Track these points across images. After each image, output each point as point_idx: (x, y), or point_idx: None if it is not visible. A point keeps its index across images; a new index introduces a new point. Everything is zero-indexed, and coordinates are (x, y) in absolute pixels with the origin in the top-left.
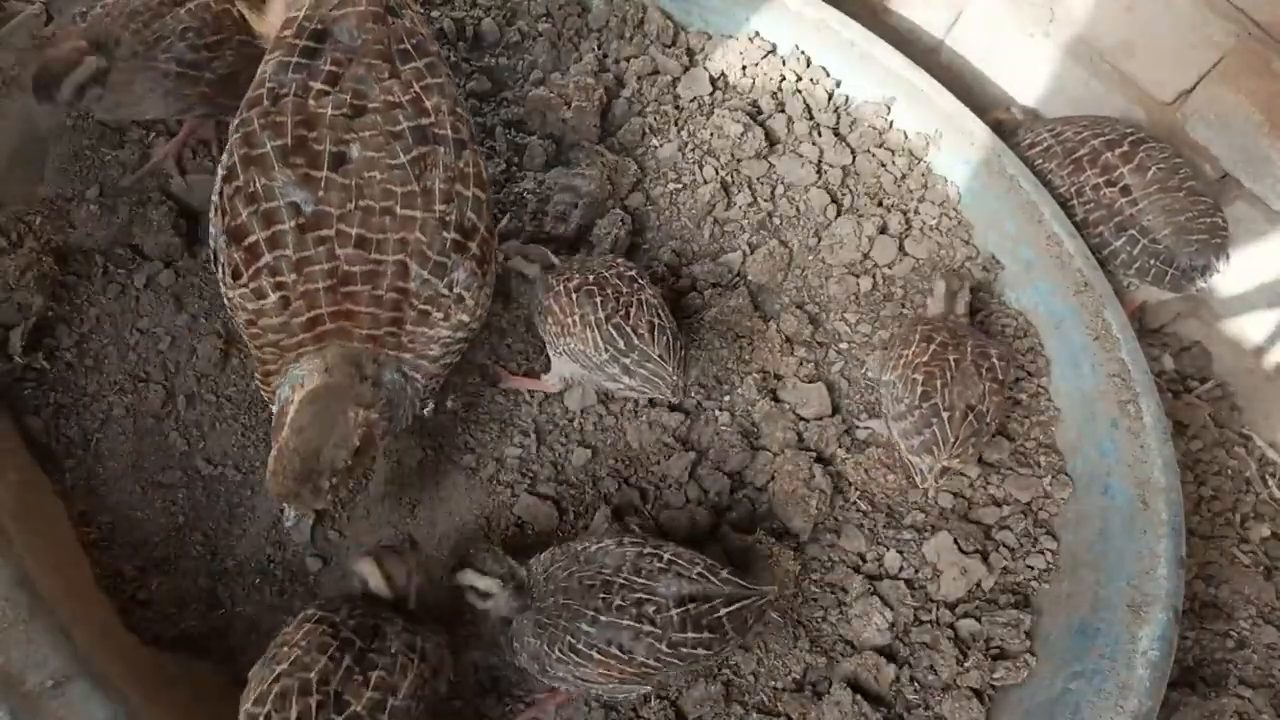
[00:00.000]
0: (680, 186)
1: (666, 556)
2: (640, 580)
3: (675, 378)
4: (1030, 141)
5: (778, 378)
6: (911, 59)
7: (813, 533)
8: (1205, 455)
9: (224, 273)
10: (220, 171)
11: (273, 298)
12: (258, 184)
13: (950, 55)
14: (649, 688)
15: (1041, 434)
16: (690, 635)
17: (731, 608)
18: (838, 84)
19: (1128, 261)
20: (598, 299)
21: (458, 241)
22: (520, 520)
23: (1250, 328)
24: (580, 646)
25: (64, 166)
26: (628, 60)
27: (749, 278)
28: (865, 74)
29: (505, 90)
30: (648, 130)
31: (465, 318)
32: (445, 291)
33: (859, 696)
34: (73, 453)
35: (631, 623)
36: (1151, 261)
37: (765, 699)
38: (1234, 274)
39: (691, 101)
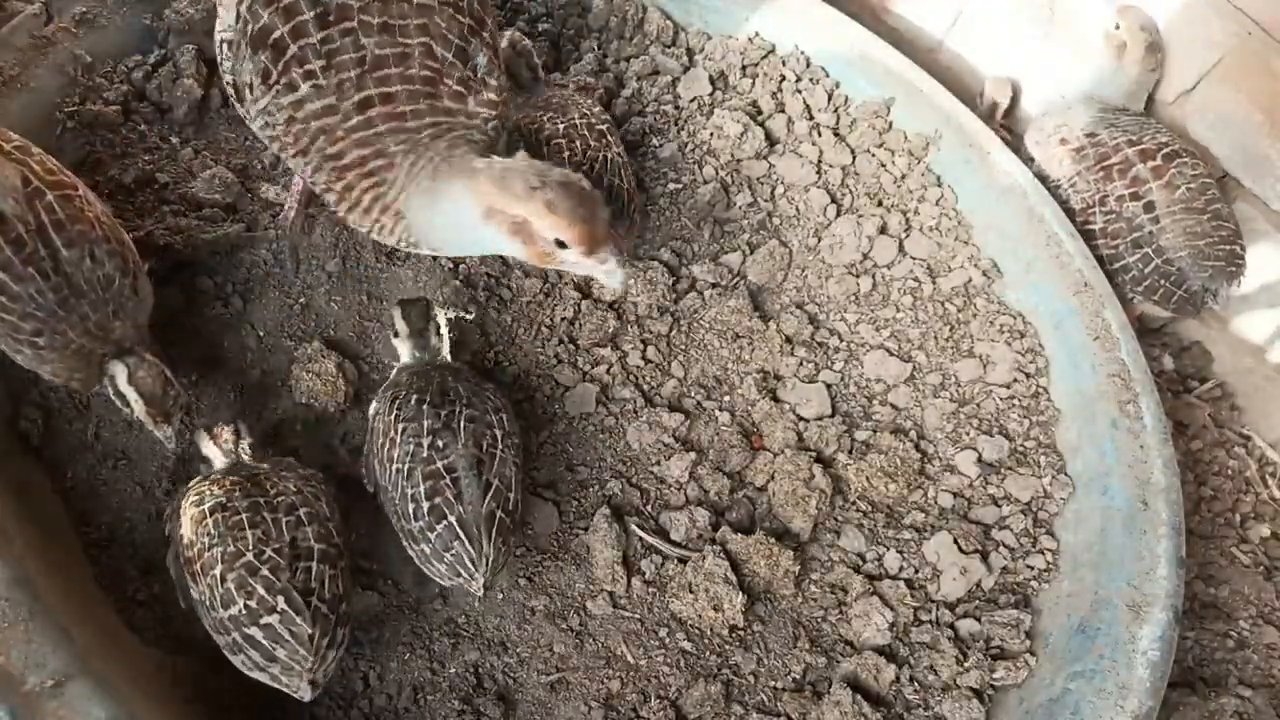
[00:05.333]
0: (680, 186)
1: None
2: None
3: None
4: (1062, 137)
5: (778, 378)
6: (911, 59)
7: (813, 533)
8: (1205, 455)
9: (252, 88)
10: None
11: (304, 87)
12: None
13: (950, 55)
14: None
15: (1041, 434)
16: None
17: None
18: (838, 84)
19: (1138, 278)
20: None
21: (472, 27)
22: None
23: (1250, 328)
24: None
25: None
26: (628, 60)
27: (749, 278)
28: (865, 74)
29: None
30: (648, 130)
31: (493, 96)
32: (470, 74)
33: (859, 696)
34: (73, 452)
35: None
36: (1161, 281)
37: (765, 699)
38: None
39: (691, 101)
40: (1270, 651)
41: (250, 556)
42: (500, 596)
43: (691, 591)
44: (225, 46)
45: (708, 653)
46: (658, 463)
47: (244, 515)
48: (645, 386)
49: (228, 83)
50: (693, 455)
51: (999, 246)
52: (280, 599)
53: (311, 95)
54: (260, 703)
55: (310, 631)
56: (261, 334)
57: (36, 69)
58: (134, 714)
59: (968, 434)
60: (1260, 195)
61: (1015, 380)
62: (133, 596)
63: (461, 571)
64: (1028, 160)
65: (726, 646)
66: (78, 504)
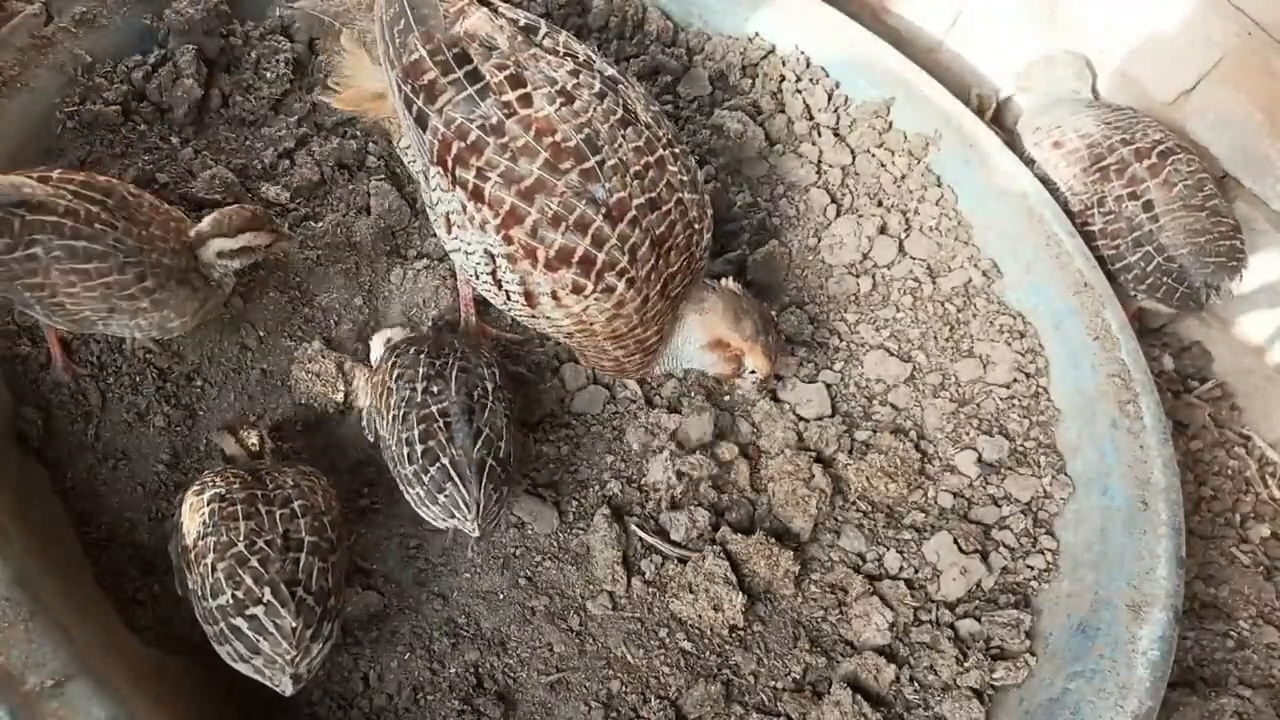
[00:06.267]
0: None
1: None
2: None
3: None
4: (1055, 140)
5: (778, 378)
6: (911, 59)
7: (813, 533)
8: (1205, 455)
9: (556, 296)
10: (486, 232)
11: (621, 286)
12: (552, 205)
13: (950, 55)
14: None
15: (1041, 434)
16: None
17: None
18: (838, 84)
19: (1140, 277)
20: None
21: (683, 144)
22: (520, 521)
23: (1250, 328)
24: None
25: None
26: (628, 60)
27: (749, 278)
28: (865, 74)
29: None
30: None
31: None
32: (704, 202)
33: (859, 696)
34: (73, 452)
35: None
36: (1164, 279)
37: (765, 699)
38: None
39: (691, 102)
40: (1270, 651)
41: (241, 547)
42: (500, 596)
43: (691, 591)
44: (488, 258)
45: (708, 653)
46: None
47: (239, 506)
48: (646, 387)
49: (506, 290)
50: None
51: (999, 246)
52: (267, 590)
53: (631, 294)
54: (260, 703)
55: (294, 624)
56: (261, 334)
57: (36, 69)
58: (134, 714)
59: (968, 434)
60: (1260, 195)
61: (1015, 380)
62: (133, 596)
63: (456, 513)
64: (1028, 161)
65: (726, 646)
66: (78, 504)
